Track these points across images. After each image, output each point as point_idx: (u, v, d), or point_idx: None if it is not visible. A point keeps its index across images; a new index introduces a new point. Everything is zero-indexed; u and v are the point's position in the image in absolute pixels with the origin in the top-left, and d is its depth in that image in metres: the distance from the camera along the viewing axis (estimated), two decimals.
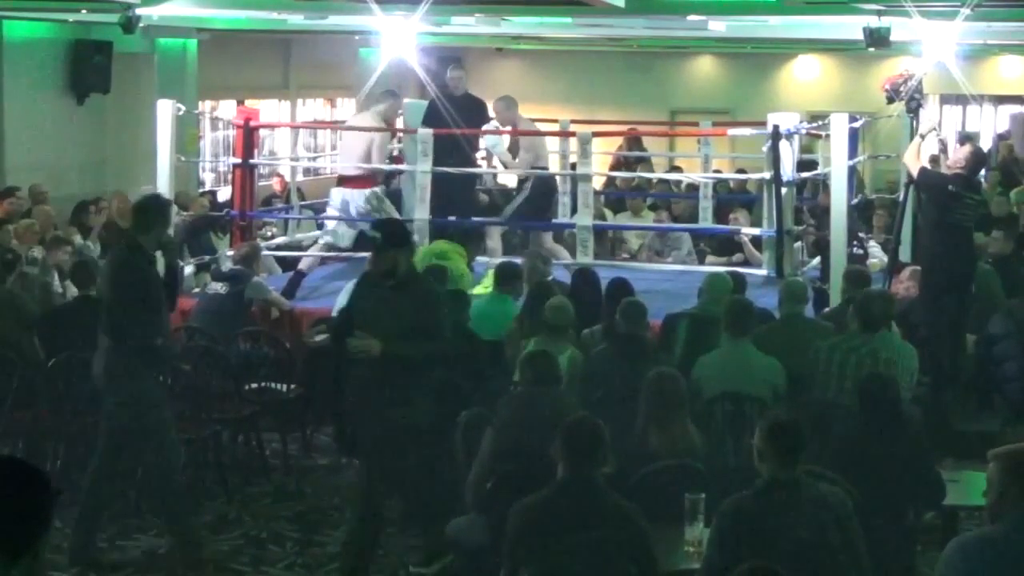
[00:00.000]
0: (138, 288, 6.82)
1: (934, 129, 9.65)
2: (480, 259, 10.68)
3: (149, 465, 7.02)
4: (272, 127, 17.67)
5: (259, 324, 9.61)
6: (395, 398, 6.42)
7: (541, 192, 11.06)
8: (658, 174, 14.65)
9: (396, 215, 11.18)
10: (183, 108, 10.98)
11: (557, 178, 11.62)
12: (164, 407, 7.02)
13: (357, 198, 10.82)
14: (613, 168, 15.57)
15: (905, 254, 10.23)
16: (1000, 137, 19.41)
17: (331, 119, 20.12)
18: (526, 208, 11.01)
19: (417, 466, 6.60)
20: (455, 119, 10.78)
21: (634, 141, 16.03)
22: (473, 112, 11.19)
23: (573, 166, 11.50)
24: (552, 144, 13.29)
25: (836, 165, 9.83)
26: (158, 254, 7.17)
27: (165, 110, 10.53)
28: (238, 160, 11.51)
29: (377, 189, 11.14)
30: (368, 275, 6.80)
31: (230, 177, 12.60)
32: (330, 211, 11.16)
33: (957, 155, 9.22)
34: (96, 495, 7.06)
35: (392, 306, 6.44)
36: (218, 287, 9.48)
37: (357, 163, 10.84)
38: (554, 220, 11.49)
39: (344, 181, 11.10)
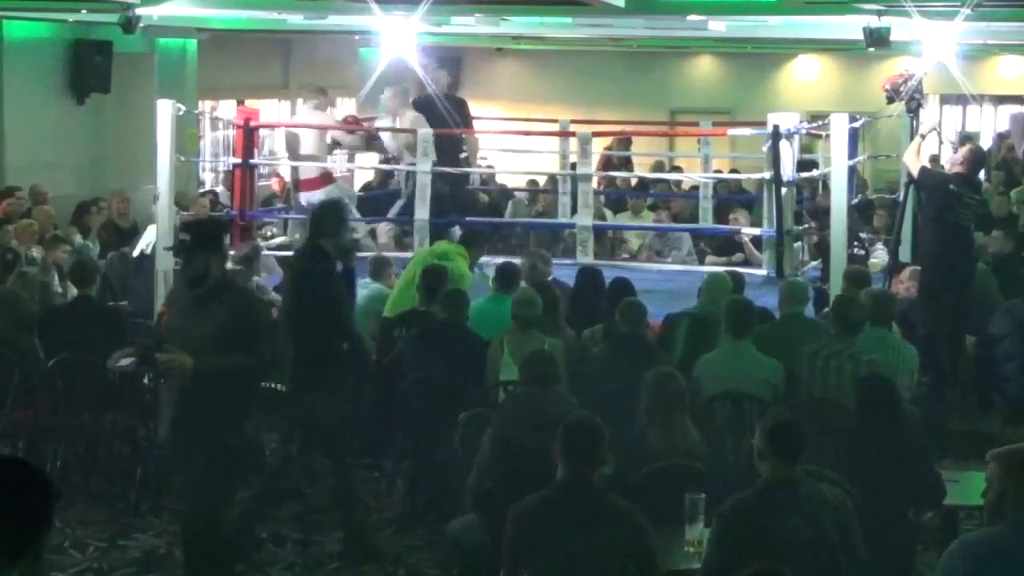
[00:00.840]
0: (321, 294, 6.65)
1: (934, 129, 9.66)
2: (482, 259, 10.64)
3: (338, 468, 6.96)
4: (272, 127, 17.65)
5: None
6: (212, 417, 5.78)
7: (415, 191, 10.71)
8: (658, 174, 14.65)
9: (355, 214, 11.13)
10: (183, 108, 10.97)
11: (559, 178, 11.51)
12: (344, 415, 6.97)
13: (316, 198, 10.85)
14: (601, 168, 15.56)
15: (905, 254, 10.24)
16: (1001, 136, 19.42)
17: (331, 119, 20.07)
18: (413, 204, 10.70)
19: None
20: (445, 119, 10.81)
21: (624, 140, 16.02)
22: (455, 111, 11.20)
23: (573, 166, 11.49)
24: (552, 144, 13.33)
25: (836, 165, 9.82)
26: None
27: (165, 110, 10.52)
28: (238, 160, 11.51)
29: (332, 186, 11.12)
30: (178, 282, 6.18)
31: (223, 177, 12.58)
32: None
33: (957, 155, 9.23)
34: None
35: (202, 316, 5.77)
36: None
37: (308, 163, 10.91)
38: (549, 220, 11.45)
39: (301, 186, 11.17)
